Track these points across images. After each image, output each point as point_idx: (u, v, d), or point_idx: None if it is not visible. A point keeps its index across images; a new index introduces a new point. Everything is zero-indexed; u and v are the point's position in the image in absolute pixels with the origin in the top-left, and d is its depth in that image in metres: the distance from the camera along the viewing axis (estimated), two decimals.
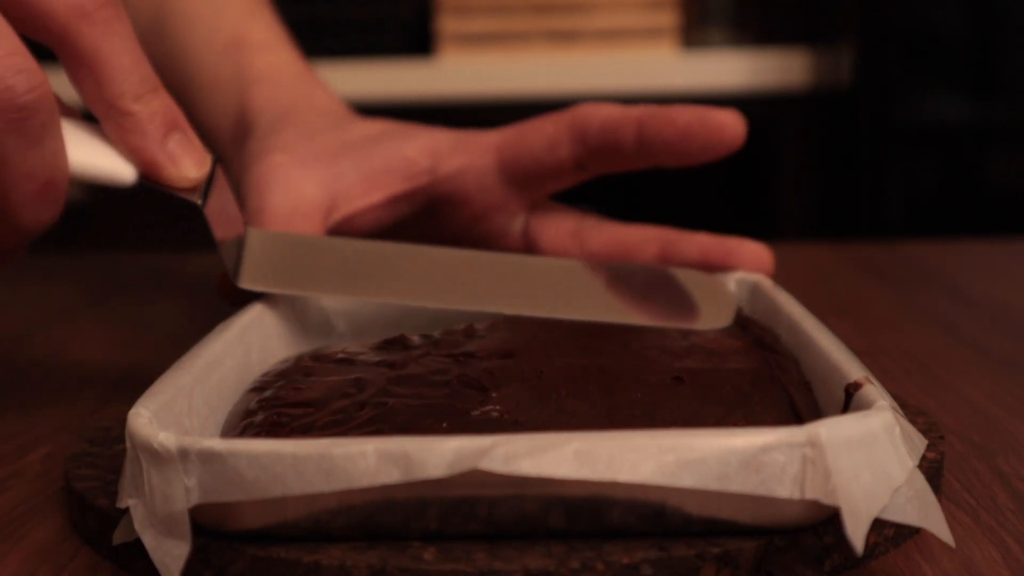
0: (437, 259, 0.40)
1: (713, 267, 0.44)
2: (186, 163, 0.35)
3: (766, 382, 0.33)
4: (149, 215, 1.33)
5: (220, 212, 0.37)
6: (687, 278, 0.41)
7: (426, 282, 0.40)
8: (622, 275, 0.41)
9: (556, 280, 0.40)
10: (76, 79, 0.34)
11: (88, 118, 0.36)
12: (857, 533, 0.24)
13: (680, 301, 0.40)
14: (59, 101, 0.35)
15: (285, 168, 0.45)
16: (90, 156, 0.34)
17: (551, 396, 0.30)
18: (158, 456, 0.25)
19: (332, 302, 0.42)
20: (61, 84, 0.35)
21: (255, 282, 0.38)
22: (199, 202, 0.36)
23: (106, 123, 0.35)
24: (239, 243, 0.39)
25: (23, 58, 0.31)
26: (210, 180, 0.36)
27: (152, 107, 0.35)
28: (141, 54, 0.35)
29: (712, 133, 0.44)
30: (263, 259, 0.39)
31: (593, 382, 0.31)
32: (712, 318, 0.39)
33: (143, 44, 0.57)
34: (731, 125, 0.44)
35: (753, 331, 0.38)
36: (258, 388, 0.33)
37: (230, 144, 0.51)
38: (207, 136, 0.53)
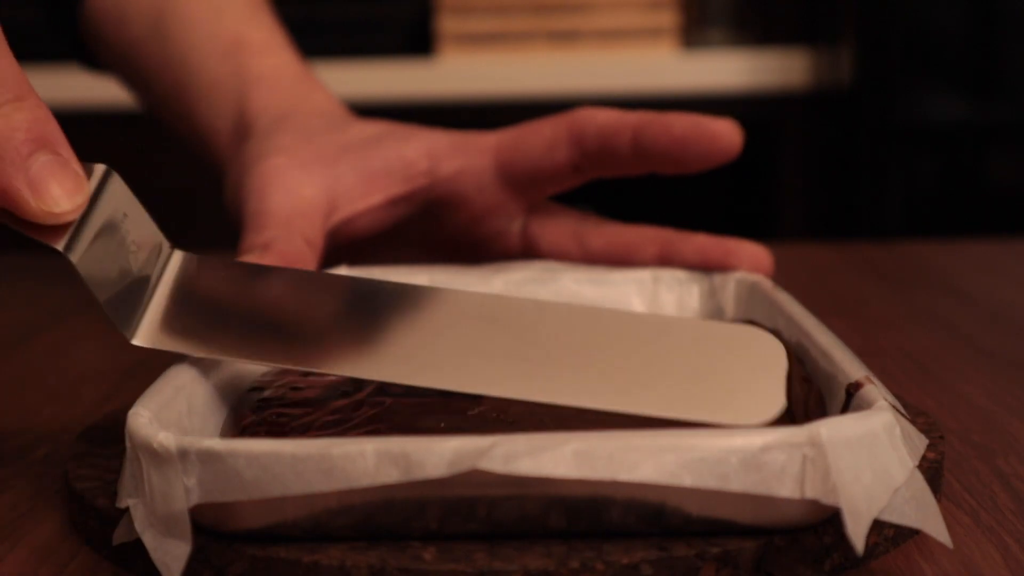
0: (417, 306, 0.31)
1: (712, 267, 0.44)
2: (52, 192, 0.28)
3: None
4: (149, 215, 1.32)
5: (112, 247, 0.29)
6: (733, 339, 0.30)
7: (368, 346, 0.30)
8: (650, 332, 0.30)
9: (559, 339, 0.30)
10: None
11: None
12: (858, 533, 0.24)
13: (717, 378, 0.29)
14: None
15: (285, 170, 0.45)
16: None
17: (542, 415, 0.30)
18: (158, 456, 0.25)
19: None
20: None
21: (155, 338, 0.30)
22: (60, 247, 0.28)
23: None
24: (146, 281, 0.30)
25: None
26: (101, 205, 0.29)
27: (12, 120, 0.28)
28: (6, 54, 0.29)
29: (708, 142, 0.44)
30: (179, 305, 0.31)
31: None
32: (755, 408, 0.28)
33: (144, 48, 0.57)
34: (727, 135, 0.44)
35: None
36: (258, 388, 0.33)
37: (229, 146, 0.51)
38: (206, 138, 0.53)
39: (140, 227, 0.31)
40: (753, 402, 0.28)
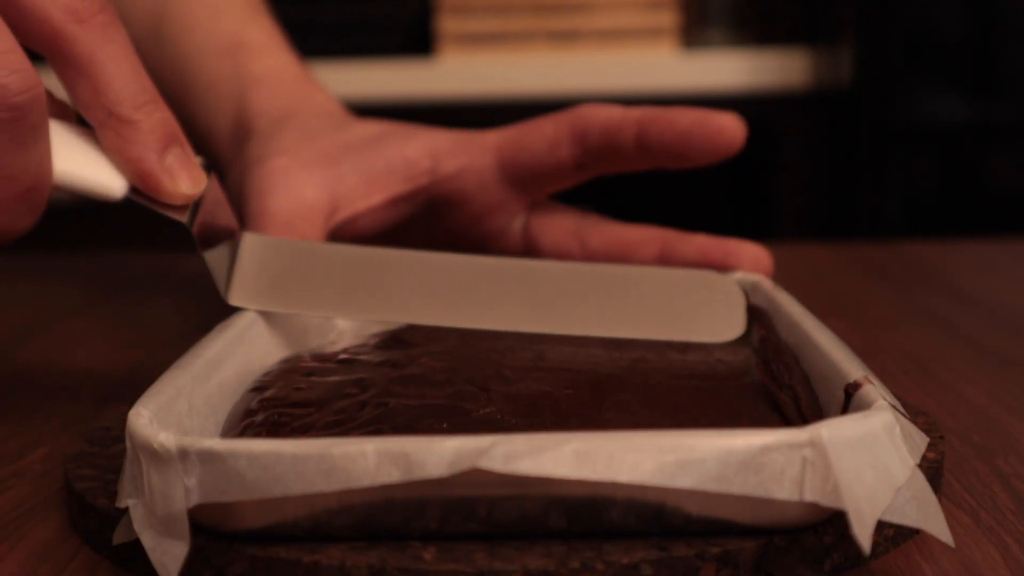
0: (437, 268, 0.39)
1: (712, 268, 0.44)
2: (183, 179, 0.34)
3: (764, 382, 0.33)
4: (148, 215, 1.32)
5: (211, 225, 0.36)
6: (695, 280, 0.39)
7: (427, 297, 0.38)
8: (625, 280, 0.39)
9: (559, 289, 0.38)
10: (71, 85, 0.33)
11: (83, 123, 0.35)
12: (863, 534, 0.24)
13: (686, 309, 0.37)
14: (53, 101, 0.34)
15: (286, 171, 0.45)
16: (78, 164, 0.33)
17: (546, 400, 0.30)
18: (158, 456, 0.25)
19: None
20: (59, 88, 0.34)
21: (247, 299, 0.37)
22: (186, 221, 0.34)
23: (102, 131, 0.33)
24: (231, 255, 0.37)
25: (18, 57, 0.31)
26: (200, 202, 0.35)
27: (153, 118, 0.34)
28: (140, 64, 0.34)
29: (712, 136, 0.44)
30: (257, 273, 0.37)
31: (585, 386, 0.31)
32: (720, 328, 0.37)
33: (142, 49, 0.57)
34: (731, 129, 0.44)
35: (754, 328, 0.38)
36: (258, 388, 0.33)
37: (229, 147, 0.51)
38: (206, 139, 0.53)
39: (226, 212, 0.37)
40: (717, 325, 0.36)
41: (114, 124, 0.33)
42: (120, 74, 0.33)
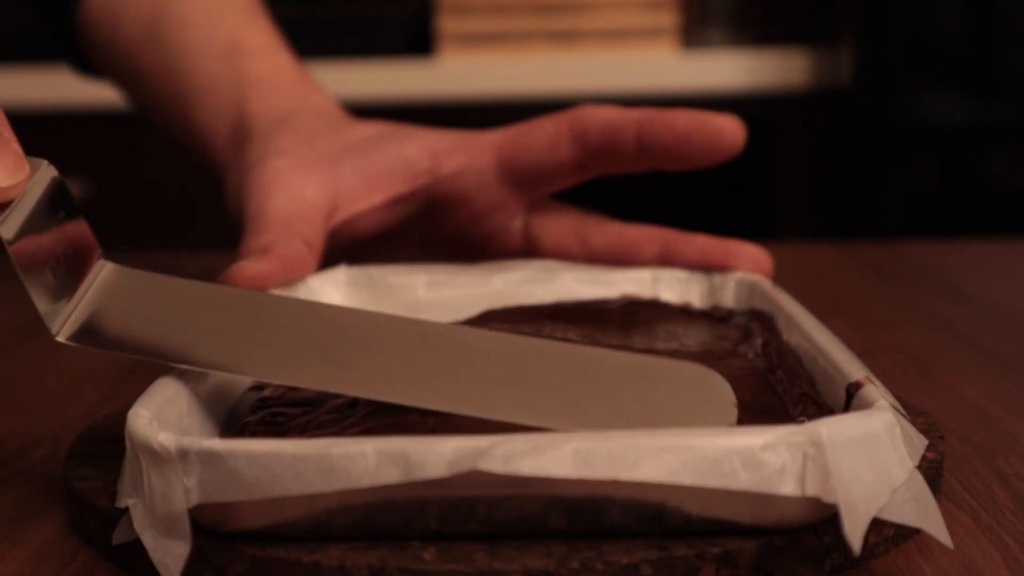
0: (326, 321, 0.31)
1: (712, 268, 0.44)
2: None
3: (764, 382, 0.33)
4: (149, 215, 1.33)
5: (47, 241, 0.29)
6: (684, 373, 0.31)
7: (293, 353, 0.30)
8: (601, 363, 0.31)
9: (510, 366, 0.30)
10: None
11: None
12: (855, 532, 0.24)
13: (665, 403, 0.30)
14: None
15: (286, 172, 0.45)
16: None
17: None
18: (158, 456, 0.25)
19: (329, 298, 0.42)
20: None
21: (79, 335, 0.30)
22: None
23: None
24: (75, 281, 0.31)
25: None
26: (40, 198, 0.29)
27: None
28: None
29: (711, 138, 0.44)
30: (105, 307, 0.31)
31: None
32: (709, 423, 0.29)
33: (139, 52, 0.57)
34: (731, 131, 0.44)
35: (753, 327, 0.38)
36: (256, 387, 0.33)
37: (228, 149, 0.51)
38: (205, 141, 0.53)
39: (76, 230, 0.31)
40: (705, 421, 0.29)
41: None
42: None
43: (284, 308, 0.32)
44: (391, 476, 0.24)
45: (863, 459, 0.25)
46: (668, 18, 1.38)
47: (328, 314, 0.32)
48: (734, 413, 0.29)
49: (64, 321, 0.30)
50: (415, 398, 0.29)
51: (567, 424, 0.28)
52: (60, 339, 0.30)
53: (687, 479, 0.24)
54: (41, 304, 0.29)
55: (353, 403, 0.30)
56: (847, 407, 0.29)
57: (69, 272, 0.30)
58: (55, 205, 0.30)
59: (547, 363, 0.30)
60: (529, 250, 0.48)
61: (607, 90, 1.33)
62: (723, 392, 0.29)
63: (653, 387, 0.30)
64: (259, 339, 0.31)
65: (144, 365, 0.46)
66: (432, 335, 0.31)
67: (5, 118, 0.29)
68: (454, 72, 1.37)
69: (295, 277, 0.41)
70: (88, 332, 0.30)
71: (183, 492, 0.25)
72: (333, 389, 0.29)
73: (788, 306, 0.37)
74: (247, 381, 0.34)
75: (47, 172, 0.30)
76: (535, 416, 0.28)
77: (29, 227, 0.29)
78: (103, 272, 0.32)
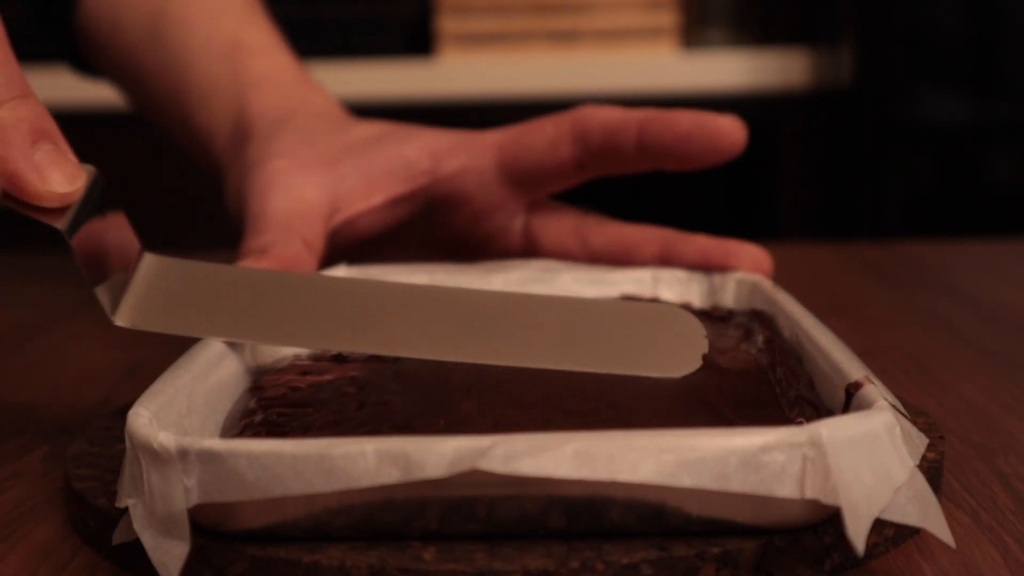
0: (358, 294, 0.35)
1: (712, 268, 0.44)
2: (54, 177, 0.31)
3: (769, 385, 0.33)
4: (149, 215, 1.33)
5: (99, 238, 0.32)
6: (655, 314, 0.35)
7: (342, 323, 0.34)
8: (583, 310, 0.35)
9: (499, 318, 0.34)
10: None
11: None
12: (858, 533, 0.24)
13: (643, 341, 0.34)
14: None
15: (286, 173, 0.45)
16: None
17: (532, 407, 0.30)
18: (158, 456, 0.25)
19: None
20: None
21: (135, 319, 0.33)
22: (63, 227, 0.31)
23: None
24: (125, 273, 0.34)
25: None
26: (90, 200, 0.32)
27: (18, 113, 0.31)
28: (11, 57, 0.32)
29: (712, 139, 0.44)
30: (152, 292, 0.34)
31: (584, 383, 0.31)
32: (676, 363, 0.33)
33: (140, 52, 0.57)
34: (731, 131, 0.44)
35: (754, 326, 0.38)
36: (257, 388, 0.33)
37: (228, 149, 0.51)
38: (205, 141, 0.53)
39: (121, 226, 0.34)
40: (673, 360, 0.33)
41: None
42: None
43: (308, 283, 0.36)
44: (391, 476, 0.24)
45: (864, 459, 0.25)
46: (668, 18, 1.38)
47: (347, 286, 0.36)
48: (705, 344, 0.34)
49: (121, 307, 0.33)
50: (425, 351, 0.33)
51: (547, 362, 0.32)
52: (119, 324, 0.33)
53: (686, 480, 0.24)
54: (100, 293, 0.32)
55: (359, 405, 0.30)
56: (847, 407, 0.29)
57: (118, 264, 0.33)
58: (103, 205, 0.33)
59: (531, 311, 0.35)
60: (529, 250, 0.48)
61: (607, 90, 1.33)
62: (693, 327, 0.34)
63: (629, 326, 0.34)
64: (293, 311, 0.34)
65: (144, 365, 0.46)
66: (434, 296, 0.35)
67: (57, 127, 0.32)
68: (454, 72, 1.37)
69: None
70: (143, 316, 0.33)
71: (183, 492, 0.25)
72: (363, 350, 0.33)
73: (788, 306, 0.37)
74: (246, 381, 0.34)
75: (95, 176, 0.33)
76: (521, 357, 0.33)
77: (86, 226, 0.32)
78: (145, 262, 0.35)
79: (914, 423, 0.29)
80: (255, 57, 0.54)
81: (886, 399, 0.27)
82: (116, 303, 0.33)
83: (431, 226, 0.49)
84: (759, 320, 0.39)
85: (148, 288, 0.34)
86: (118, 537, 0.27)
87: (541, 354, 0.33)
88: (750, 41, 1.43)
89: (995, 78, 1.23)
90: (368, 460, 0.24)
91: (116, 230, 0.34)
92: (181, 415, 0.29)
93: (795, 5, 1.43)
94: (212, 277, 0.35)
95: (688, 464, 0.24)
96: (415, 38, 1.44)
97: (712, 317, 0.41)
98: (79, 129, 0.47)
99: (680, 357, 0.33)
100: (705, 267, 0.44)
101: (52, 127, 0.32)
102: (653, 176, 0.48)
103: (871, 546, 0.27)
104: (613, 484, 0.24)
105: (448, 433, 0.25)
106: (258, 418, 0.30)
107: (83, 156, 0.32)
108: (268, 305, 0.34)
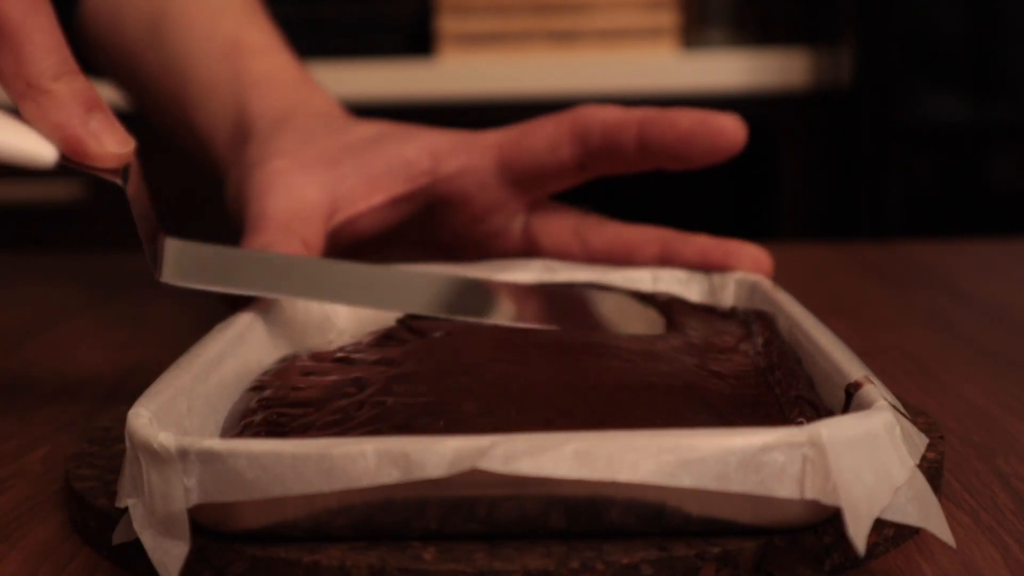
0: (362, 270, 0.40)
1: (712, 268, 0.44)
2: (108, 140, 0.35)
3: (769, 385, 0.33)
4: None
5: (144, 199, 0.36)
6: (612, 300, 0.41)
7: (345, 285, 0.39)
8: (544, 295, 0.41)
9: (470, 290, 0.40)
10: None
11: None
12: (859, 533, 0.24)
13: (598, 320, 0.40)
14: None
15: (286, 173, 0.45)
16: (7, 134, 0.34)
17: (532, 407, 0.30)
18: (158, 456, 0.25)
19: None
20: None
21: (177, 278, 0.37)
22: (121, 183, 0.35)
23: (24, 103, 0.34)
24: (158, 243, 0.38)
25: None
26: (130, 170, 0.36)
27: (72, 87, 0.34)
28: (61, 36, 0.35)
29: (713, 137, 0.44)
30: (185, 260, 0.38)
31: (584, 383, 0.31)
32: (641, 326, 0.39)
33: (140, 52, 0.57)
34: (731, 130, 0.44)
35: (754, 327, 0.38)
36: (257, 388, 0.33)
37: (228, 149, 0.51)
38: (205, 141, 0.53)
39: (148, 202, 0.37)
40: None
41: (33, 95, 0.34)
42: (42, 47, 0.34)
43: (320, 263, 0.40)
44: (391, 476, 0.24)
45: (864, 459, 0.25)
46: (668, 18, 1.38)
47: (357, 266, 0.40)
48: (661, 323, 0.38)
49: (164, 267, 0.37)
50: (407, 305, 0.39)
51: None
52: (166, 280, 0.36)
53: (686, 480, 0.24)
54: (148, 252, 0.36)
55: (358, 405, 0.30)
56: (847, 407, 0.29)
57: (157, 231, 0.37)
58: (139, 179, 0.37)
59: (513, 291, 0.40)
60: (529, 250, 0.48)
61: (607, 90, 1.33)
62: (647, 310, 0.38)
63: (598, 308, 0.40)
64: (319, 277, 0.39)
65: (144, 365, 0.46)
66: (423, 274, 0.41)
67: (102, 98, 0.35)
68: (454, 72, 1.37)
69: None
70: (184, 275, 0.37)
71: (183, 492, 0.25)
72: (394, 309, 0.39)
73: (788, 306, 0.37)
74: (247, 381, 0.34)
75: (134, 144, 0.36)
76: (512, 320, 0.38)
77: (138, 189, 0.36)
78: (170, 244, 0.38)
79: (914, 423, 0.29)
80: (255, 57, 0.54)
81: (886, 399, 0.27)
82: (159, 263, 0.37)
83: (431, 226, 0.49)
84: (759, 320, 0.39)
85: (180, 255, 0.38)
86: (118, 537, 0.27)
87: (527, 319, 0.38)
88: (750, 41, 1.43)
89: (995, 78, 1.23)
90: (368, 460, 0.24)
91: (146, 202, 0.37)
92: (181, 415, 0.29)
93: (795, 5, 1.43)
94: (233, 252, 0.39)
95: (688, 464, 0.24)
96: (415, 38, 1.44)
97: (715, 311, 0.41)
98: None
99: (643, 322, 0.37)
100: (705, 267, 0.44)
101: (101, 100, 0.35)
102: (653, 176, 0.48)
103: (871, 546, 0.27)
104: (613, 484, 0.24)
105: (448, 433, 0.25)
106: (258, 418, 0.30)
107: None
108: (294, 273, 0.39)
